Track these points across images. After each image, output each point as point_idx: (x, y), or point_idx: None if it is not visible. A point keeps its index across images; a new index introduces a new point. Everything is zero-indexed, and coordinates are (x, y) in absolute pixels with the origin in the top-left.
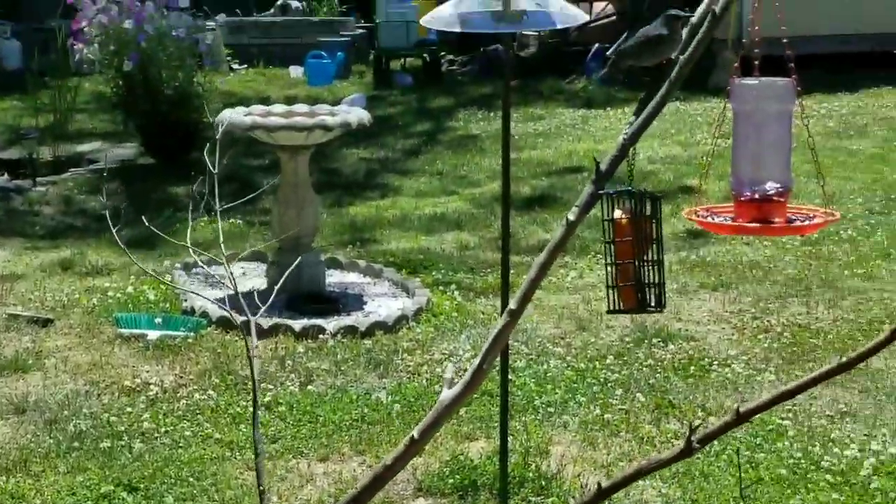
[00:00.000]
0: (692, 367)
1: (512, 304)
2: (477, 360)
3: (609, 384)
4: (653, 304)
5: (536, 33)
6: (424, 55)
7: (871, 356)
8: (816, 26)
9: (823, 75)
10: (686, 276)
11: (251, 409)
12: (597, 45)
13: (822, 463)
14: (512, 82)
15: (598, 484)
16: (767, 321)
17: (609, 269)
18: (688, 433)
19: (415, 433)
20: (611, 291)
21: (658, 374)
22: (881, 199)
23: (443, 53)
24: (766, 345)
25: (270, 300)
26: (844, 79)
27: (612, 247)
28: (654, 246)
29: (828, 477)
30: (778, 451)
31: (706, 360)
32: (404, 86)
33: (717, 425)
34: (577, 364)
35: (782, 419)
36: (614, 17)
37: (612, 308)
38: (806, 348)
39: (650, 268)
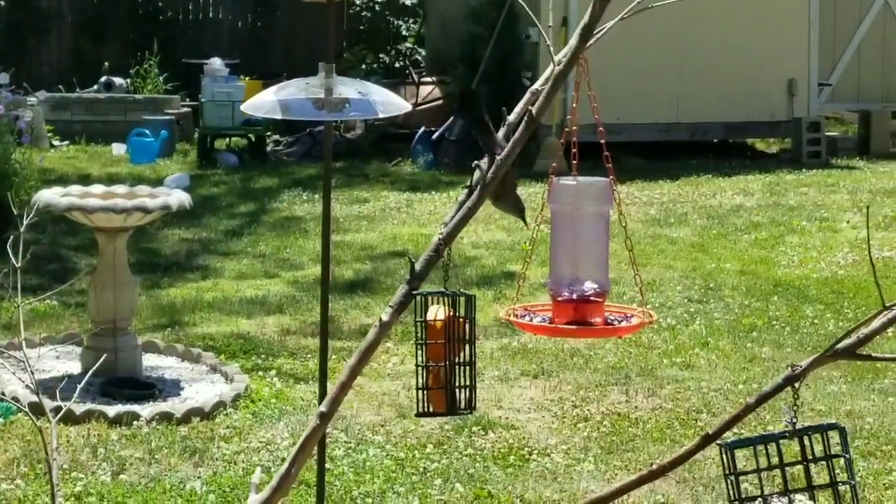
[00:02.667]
0: (512, 457)
1: (322, 407)
2: (285, 466)
3: (428, 474)
4: (463, 406)
5: None
6: (249, 135)
7: (682, 463)
8: (639, 115)
9: (645, 163)
10: (507, 363)
11: (59, 501)
12: (423, 128)
13: None
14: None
15: None
16: (587, 409)
17: (420, 370)
18: None
19: None
20: (420, 394)
21: (478, 464)
22: (700, 287)
23: (269, 133)
24: (585, 434)
25: (80, 386)
26: (666, 166)
27: (424, 348)
28: (467, 347)
29: None
30: None
31: (526, 449)
32: (229, 165)
33: None
34: (396, 453)
35: None
36: (440, 101)
37: (421, 410)
38: (625, 437)
39: (462, 369)
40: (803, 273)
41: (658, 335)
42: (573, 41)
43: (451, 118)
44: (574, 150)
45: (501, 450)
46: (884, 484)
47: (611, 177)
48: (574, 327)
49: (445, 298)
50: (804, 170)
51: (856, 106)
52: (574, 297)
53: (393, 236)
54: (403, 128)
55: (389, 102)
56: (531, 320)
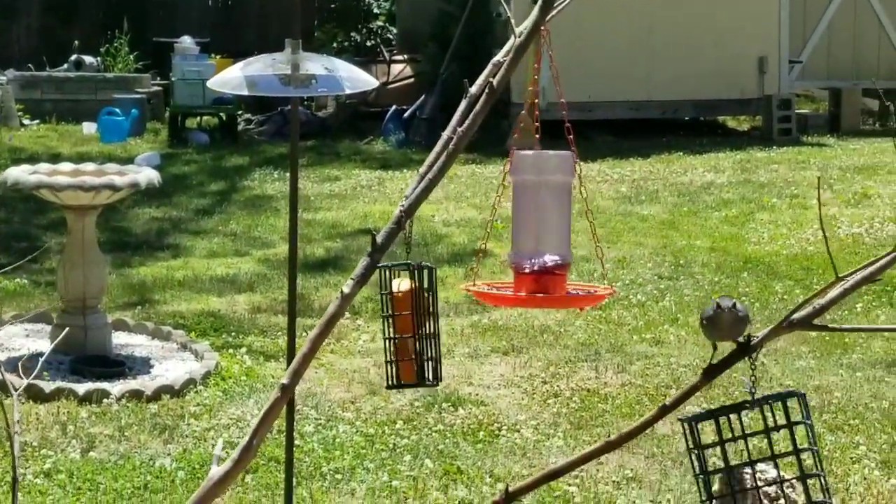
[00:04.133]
0: (481, 433)
1: (284, 379)
2: (247, 437)
3: (398, 450)
4: (430, 377)
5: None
6: (220, 114)
7: (640, 433)
8: (611, 93)
9: (616, 141)
10: (477, 340)
11: (28, 478)
12: (394, 106)
13: None
14: (308, 142)
15: None
16: (557, 386)
17: (388, 343)
18: None
19: None
20: (389, 366)
21: (447, 440)
22: (670, 264)
23: (240, 112)
24: (555, 409)
25: (41, 360)
26: (637, 144)
27: (391, 321)
28: (431, 319)
29: None
30: None
31: (496, 425)
32: (199, 144)
33: None
34: (366, 429)
35: (569, 485)
36: (412, 79)
37: (391, 383)
38: (594, 413)
39: (428, 341)
40: (773, 250)
41: (628, 311)
42: (534, 12)
43: (423, 96)
44: (536, 123)
45: (471, 426)
46: (851, 458)
47: (573, 149)
48: (533, 296)
49: (408, 271)
50: (775, 147)
51: (826, 83)
52: (536, 269)
53: (364, 214)
54: (375, 106)
55: (356, 78)
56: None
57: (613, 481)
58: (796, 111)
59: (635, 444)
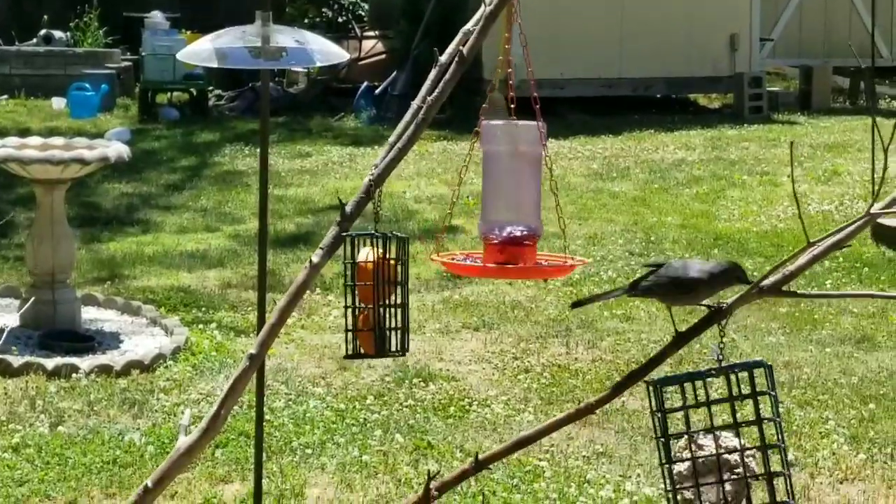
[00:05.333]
0: (452, 408)
1: (252, 349)
2: (215, 407)
3: (368, 425)
4: (394, 348)
5: (305, 70)
6: (191, 90)
7: (610, 401)
8: (583, 70)
9: (588, 118)
10: (449, 315)
11: None
12: (366, 83)
13: None
14: (280, 119)
15: None
16: (528, 361)
17: (349, 312)
18: (426, 480)
19: (149, 482)
20: (349, 336)
21: (418, 415)
22: (641, 240)
23: (211, 88)
24: (525, 385)
25: (5, 333)
26: (609, 121)
27: (354, 290)
28: (399, 289)
29: None
30: (534, 493)
31: (466, 400)
32: (170, 120)
33: (455, 474)
34: (336, 404)
35: (539, 460)
36: (383, 56)
37: (350, 353)
38: (565, 388)
39: (394, 311)
40: (744, 226)
41: (599, 287)
42: None
43: (394, 73)
44: (511, 94)
45: (442, 401)
46: (820, 433)
47: (540, 120)
48: (502, 267)
49: (376, 240)
50: (746, 125)
51: (797, 61)
52: (505, 239)
53: (335, 190)
54: (346, 83)
55: (327, 51)
56: (461, 262)
57: (584, 456)
58: (767, 89)
59: (606, 419)
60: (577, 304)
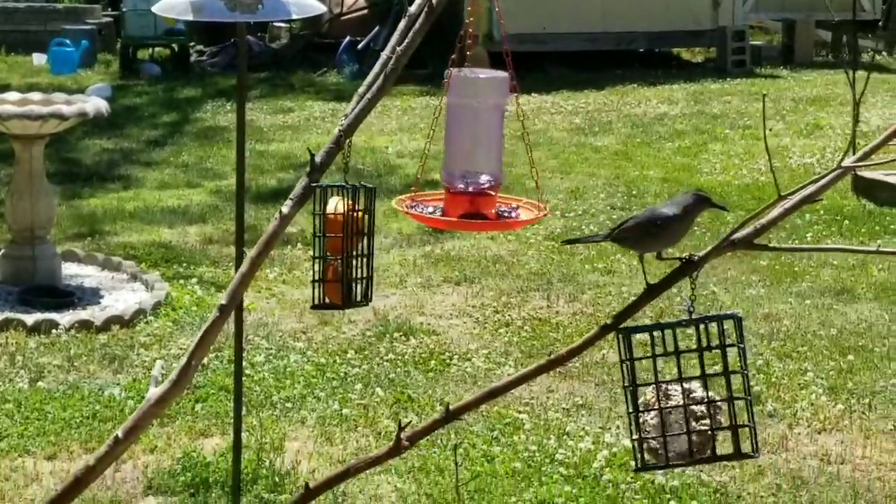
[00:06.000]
0: (433, 362)
1: (223, 300)
2: (184, 358)
3: (349, 379)
4: (359, 298)
5: (288, 25)
6: (172, 45)
7: (581, 352)
8: (566, 25)
9: (571, 73)
10: (430, 269)
11: None
12: (348, 38)
13: (557, 456)
14: (261, 74)
15: (306, 484)
16: (509, 315)
17: (316, 262)
18: (398, 430)
19: (119, 433)
20: (316, 286)
21: (399, 369)
22: (623, 194)
23: (192, 44)
24: (506, 338)
25: None
26: (592, 76)
27: (322, 241)
28: (365, 239)
29: (561, 470)
30: (514, 445)
31: (447, 354)
32: (151, 76)
33: (426, 423)
34: (317, 359)
35: (519, 412)
36: (366, 11)
37: (317, 303)
38: (545, 342)
39: (360, 261)
40: (725, 180)
41: None
42: None
43: (377, 28)
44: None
45: (422, 355)
46: (798, 384)
47: (510, 70)
48: (462, 220)
49: (345, 191)
50: (728, 79)
51: (780, 15)
52: (469, 189)
53: (317, 146)
54: (328, 38)
55: (304, 4)
56: (422, 211)
57: (563, 408)
58: (750, 43)
59: (586, 371)
60: (567, 242)
